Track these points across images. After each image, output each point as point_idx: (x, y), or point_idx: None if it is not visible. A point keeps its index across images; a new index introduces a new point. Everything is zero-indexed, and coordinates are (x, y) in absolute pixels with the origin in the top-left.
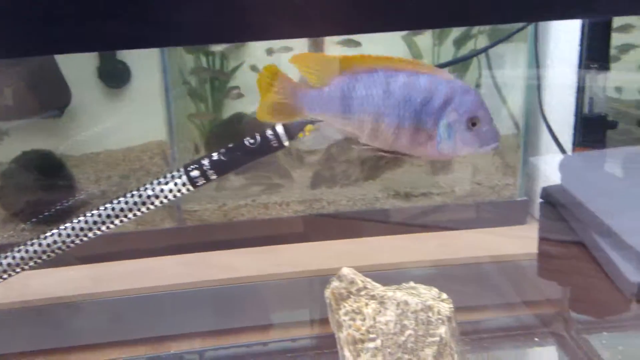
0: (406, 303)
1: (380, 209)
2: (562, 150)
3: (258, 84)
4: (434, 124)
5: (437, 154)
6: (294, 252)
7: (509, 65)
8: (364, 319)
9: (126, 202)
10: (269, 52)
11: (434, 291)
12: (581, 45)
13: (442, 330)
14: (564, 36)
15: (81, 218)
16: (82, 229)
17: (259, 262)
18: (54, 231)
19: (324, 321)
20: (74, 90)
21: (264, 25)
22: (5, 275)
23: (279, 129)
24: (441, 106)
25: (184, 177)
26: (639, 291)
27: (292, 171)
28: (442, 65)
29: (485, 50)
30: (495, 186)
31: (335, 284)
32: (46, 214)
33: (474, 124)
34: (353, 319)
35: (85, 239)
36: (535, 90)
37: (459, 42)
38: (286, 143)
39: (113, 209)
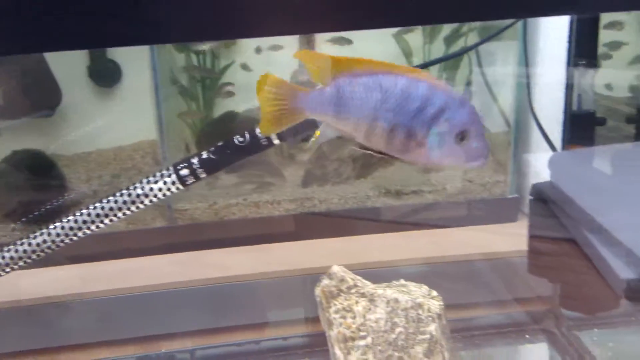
0: (396, 301)
1: (372, 207)
2: (552, 148)
3: (259, 98)
4: (426, 132)
5: (426, 161)
6: (285, 250)
7: (500, 63)
8: (354, 317)
9: (116, 202)
10: (258, 50)
11: (424, 289)
12: (569, 42)
13: (433, 327)
14: (554, 33)
15: (70, 217)
16: (71, 229)
17: (250, 260)
18: (44, 231)
19: (315, 319)
20: (64, 90)
21: (254, 22)
22: None
23: None
24: (435, 115)
25: (174, 176)
26: (628, 288)
27: (284, 169)
28: (431, 63)
29: (473, 47)
30: (486, 183)
31: (325, 282)
32: (36, 213)
33: (463, 138)
34: (343, 317)
35: (75, 238)
36: (525, 87)
37: (449, 40)
38: (276, 141)
39: (102, 208)
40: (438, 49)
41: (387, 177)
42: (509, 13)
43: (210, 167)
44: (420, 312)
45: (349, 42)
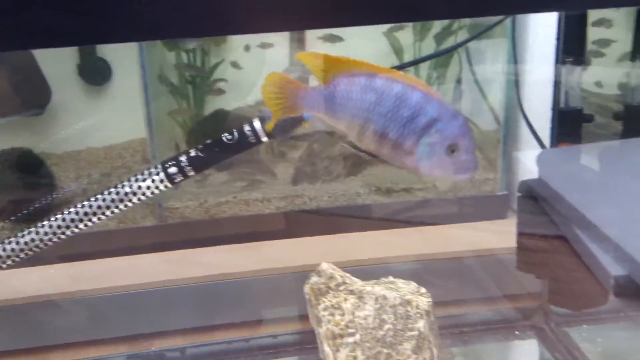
0: (385, 297)
1: (362, 204)
2: (541, 145)
3: (265, 99)
4: (417, 140)
5: (414, 169)
6: (275, 248)
7: (490, 61)
8: (342, 314)
9: (104, 200)
10: (246, 48)
11: (413, 285)
12: (558, 39)
13: (421, 324)
14: (542, 31)
15: (59, 216)
16: (59, 227)
17: (240, 258)
18: (32, 229)
19: (306, 317)
20: (54, 88)
21: (244, 19)
22: None
23: (257, 124)
24: (426, 125)
25: (162, 174)
26: (616, 284)
27: (274, 167)
28: (421, 60)
29: (462, 44)
30: (475, 181)
31: (314, 279)
32: (25, 212)
33: (453, 151)
34: (332, 314)
35: (63, 236)
36: (514, 85)
37: (439, 38)
38: (264, 139)
39: (91, 206)
40: (428, 47)
41: (378, 175)
42: (498, 9)
43: (198, 165)
44: (408, 308)
45: (340, 39)
